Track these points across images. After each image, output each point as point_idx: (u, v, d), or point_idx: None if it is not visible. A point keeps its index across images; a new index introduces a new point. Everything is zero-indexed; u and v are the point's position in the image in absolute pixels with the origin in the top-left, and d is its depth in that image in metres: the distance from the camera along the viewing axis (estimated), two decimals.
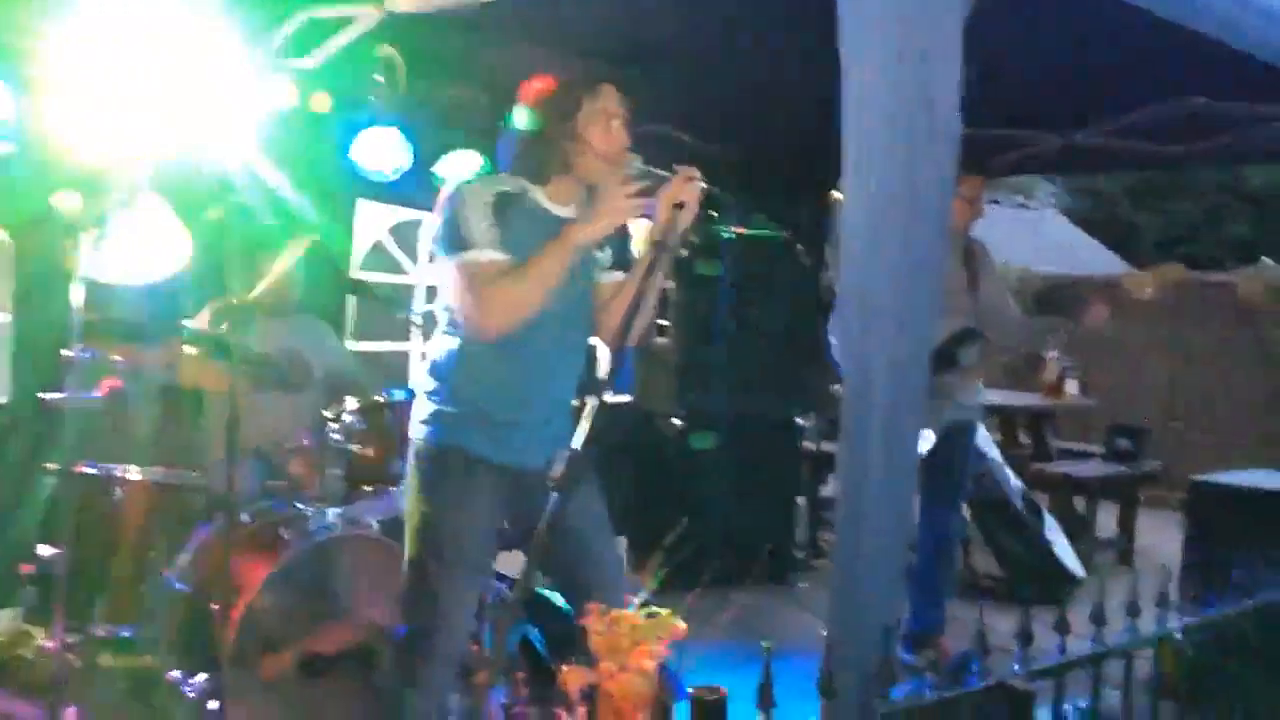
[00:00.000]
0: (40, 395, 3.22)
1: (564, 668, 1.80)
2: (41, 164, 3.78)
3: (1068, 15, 3.19)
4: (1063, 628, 2.22)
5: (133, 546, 3.44)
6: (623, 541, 5.76)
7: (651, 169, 2.54)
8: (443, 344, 2.71)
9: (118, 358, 3.38)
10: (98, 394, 3.31)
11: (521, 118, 2.66)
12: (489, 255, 2.53)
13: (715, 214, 5.81)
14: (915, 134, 2.08)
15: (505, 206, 2.57)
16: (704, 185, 2.50)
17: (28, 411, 3.76)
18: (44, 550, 3.31)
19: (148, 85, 3.68)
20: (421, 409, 2.72)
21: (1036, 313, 7.81)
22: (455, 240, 2.54)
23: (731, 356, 5.87)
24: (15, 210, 3.49)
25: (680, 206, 2.45)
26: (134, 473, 3.48)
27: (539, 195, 2.66)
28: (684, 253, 5.82)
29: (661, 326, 5.97)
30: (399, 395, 3.58)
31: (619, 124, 2.63)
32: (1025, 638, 2.11)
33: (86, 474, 3.41)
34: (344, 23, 3.86)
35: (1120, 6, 2.58)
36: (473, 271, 2.52)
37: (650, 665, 1.77)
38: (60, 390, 3.16)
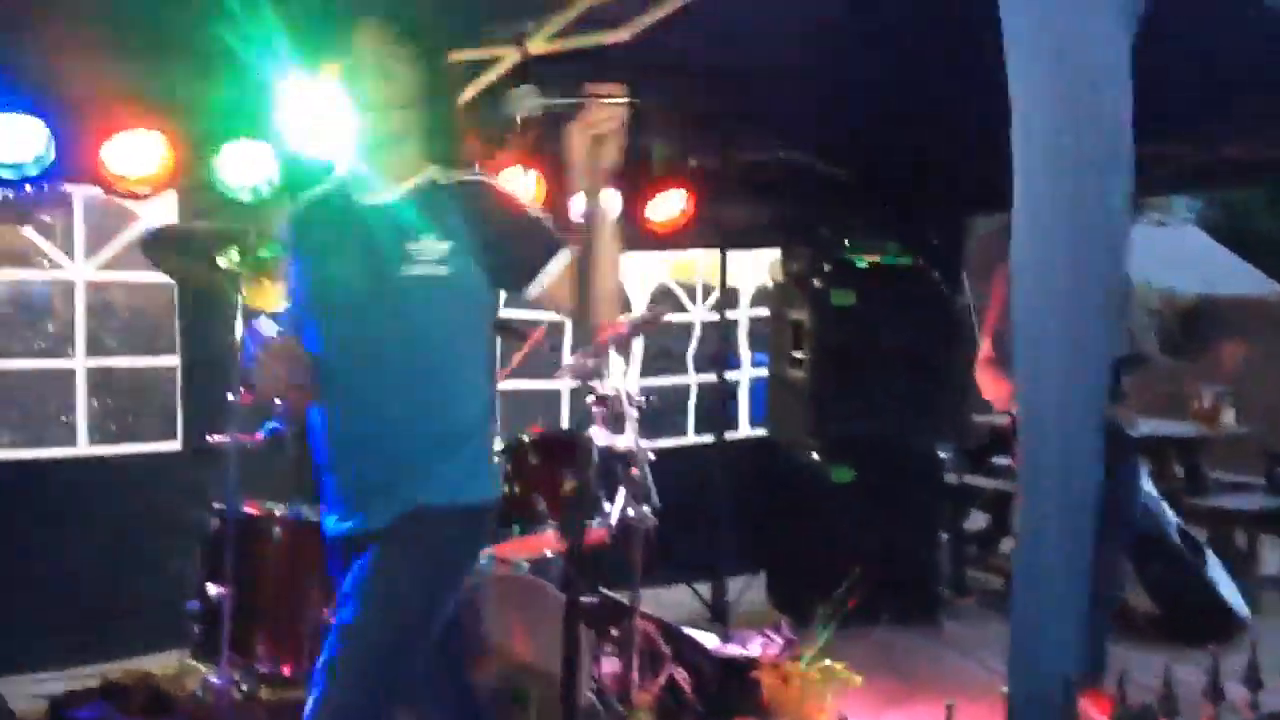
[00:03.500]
0: (206, 437, 3.34)
1: None
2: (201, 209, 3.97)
3: (1209, 21, 3.08)
4: (1253, 681, 2.10)
5: (293, 584, 3.52)
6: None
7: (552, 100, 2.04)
8: None
9: (278, 400, 3.49)
10: (259, 436, 3.43)
11: None
12: None
13: (847, 242, 5.80)
14: (1083, 160, 2.01)
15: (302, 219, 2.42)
16: (627, 102, 1.99)
17: (196, 453, 3.92)
18: (211, 588, 3.42)
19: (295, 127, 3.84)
20: None
21: (1181, 335, 7.51)
22: None
23: (867, 386, 5.78)
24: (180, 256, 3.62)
25: (602, 138, 1.99)
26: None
27: (351, 182, 2.37)
28: (817, 283, 5.76)
29: (796, 358, 5.90)
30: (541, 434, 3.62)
31: (358, 69, 2.23)
32: (1215, 694, 2.01)
33: (249, 514, 3.53)
34: (484, 65, 3.94)
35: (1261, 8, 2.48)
36: None
37: None
38: (224, 432, 3.28)
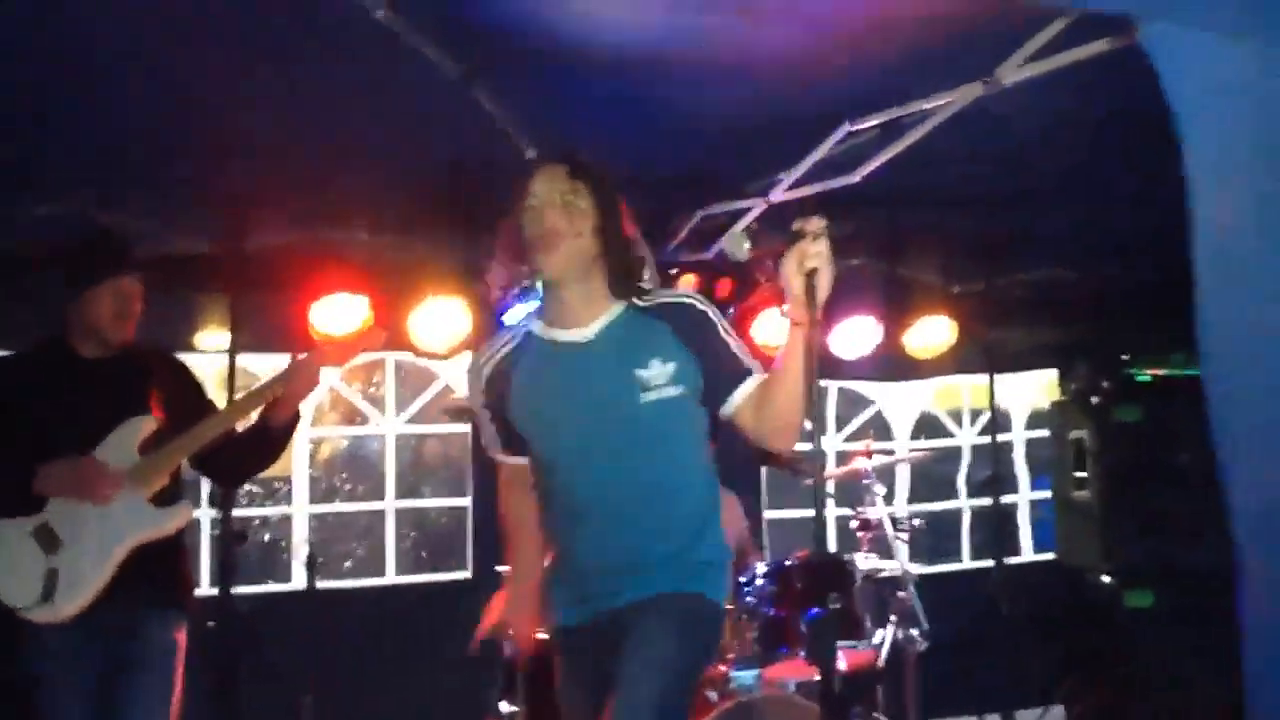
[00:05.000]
0: (497, 568, 3.69)
1: None
2: None
3: None
4: None
5: None
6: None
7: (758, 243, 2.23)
8: None
9: None
10: (545, 565, 3.74)
11: None
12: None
13: (1128, 357, 5.62)
14: None
15: (494, 377, 2.40)
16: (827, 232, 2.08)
17: (487, 582, 4.30)
18: (505, 706, 3.73)
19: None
20: None
21: None
22: None
23: (1161, 506, 5.50)
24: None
25: (812, 273, 2.07)
26: None
27: (539, 328, 2.39)
28: (1098, 400, 5.60)
29: (1080, 479, 5.72)
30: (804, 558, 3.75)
31: (536, 206, 2.28)
32: None
33: (540, 638, 3.83)
34: (739, 214, 4.25)
35: None
36: None
37: None
38: None
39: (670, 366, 2.28)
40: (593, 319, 2.32)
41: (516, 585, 2.60)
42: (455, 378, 5.23)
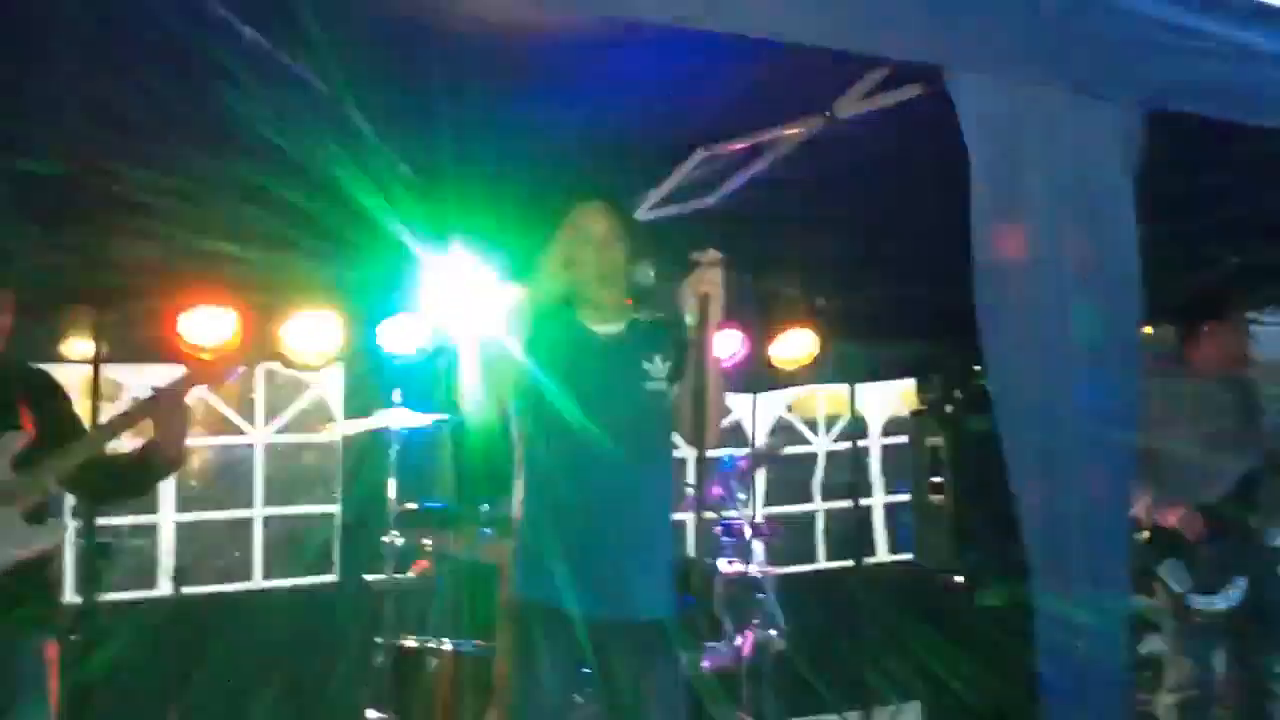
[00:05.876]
0: (364, 576, 3.77)
1: None
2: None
3: None
4: None
5: (446, 710, 3.85)
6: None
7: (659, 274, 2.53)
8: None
9: (426, 541, 3.90)
10: (412, 573, 3.83)
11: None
12: None
13: (978, 367, 5.91)
14: (1095, 288, 2.23)
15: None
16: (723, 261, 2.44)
17: (354, 589, 4.36)
18: (372, 714, 3.80)
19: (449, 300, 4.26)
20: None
21: None
22: None
23: (1011, 511, 5.78)
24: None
25: (706, 296, 2.43)
26: (446, 644, 3.94)
27: (577, 316, 2.71)
28: (952, 410, 5.88)
29: (935, 484, 5.99)
30: None
31: (599, 240, 2.65)
32: None
33: (407, 645, 3.90)
34: None
35: None
36: None
37: None
38: (380, 571, 3.70)
39: (667, 365, 2.64)
40: (619, 319, 2.69)
41: None
42: (328, 389, 5.25)
